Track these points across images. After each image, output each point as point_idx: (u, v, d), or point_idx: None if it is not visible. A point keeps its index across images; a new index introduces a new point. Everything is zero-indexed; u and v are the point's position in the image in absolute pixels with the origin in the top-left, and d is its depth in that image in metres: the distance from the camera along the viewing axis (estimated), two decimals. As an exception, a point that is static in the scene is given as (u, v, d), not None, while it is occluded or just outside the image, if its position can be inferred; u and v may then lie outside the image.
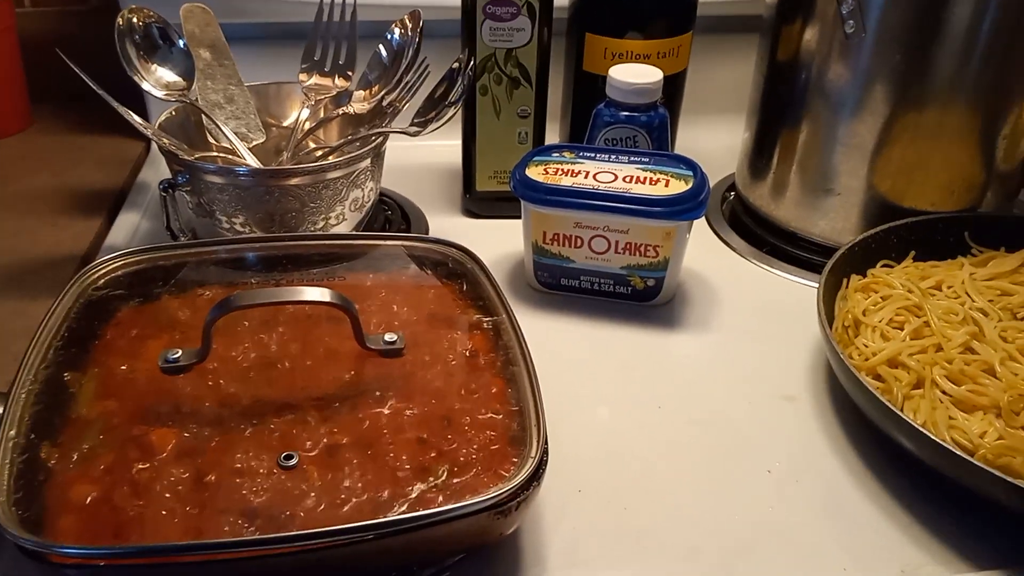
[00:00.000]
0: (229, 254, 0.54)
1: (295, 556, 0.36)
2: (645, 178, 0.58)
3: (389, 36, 0.65)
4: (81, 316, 0.48)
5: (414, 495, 0.39)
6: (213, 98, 0.65)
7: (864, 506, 0.46)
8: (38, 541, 0.34)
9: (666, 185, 0.57)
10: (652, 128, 0.64)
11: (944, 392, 0.48)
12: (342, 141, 0.62)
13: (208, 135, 0.64)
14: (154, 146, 0.78)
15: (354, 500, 0.39)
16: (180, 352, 0.45)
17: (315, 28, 0.67)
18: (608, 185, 0.57)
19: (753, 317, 0.61)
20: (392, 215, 0.70)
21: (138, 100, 0.67)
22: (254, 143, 0.65)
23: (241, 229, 0.58)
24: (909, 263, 0.61)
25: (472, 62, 0.61)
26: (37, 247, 0.64)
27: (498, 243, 0.68)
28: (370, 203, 0.63)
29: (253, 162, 0.62)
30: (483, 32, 0.63)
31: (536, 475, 0.39)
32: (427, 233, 0.68)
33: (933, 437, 0.44)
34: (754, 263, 0.67)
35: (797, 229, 0.68)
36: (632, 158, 0.60)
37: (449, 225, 0.70)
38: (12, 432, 0.40)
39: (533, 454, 0.40)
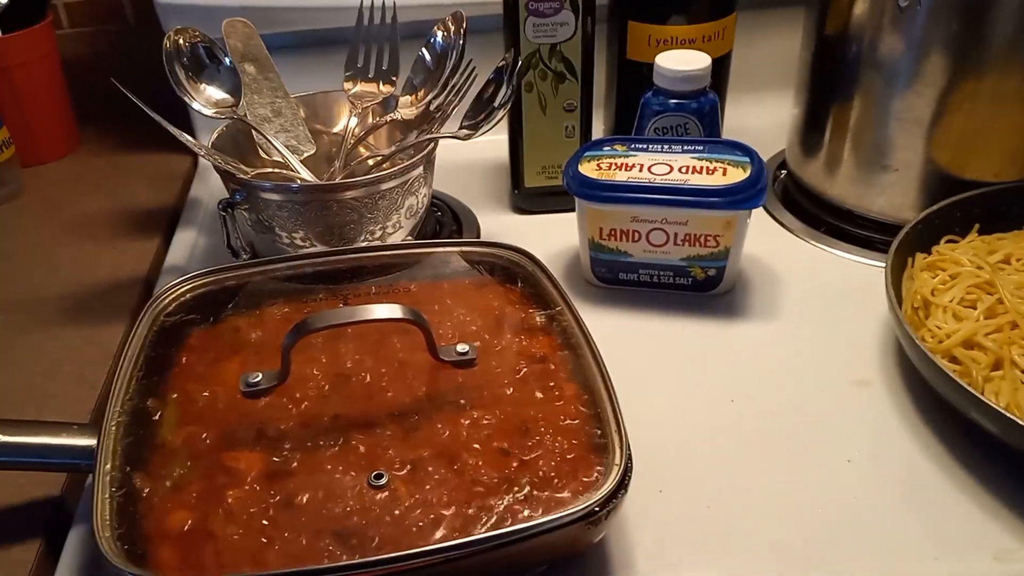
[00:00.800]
0: (292, 270, 0.55)
1: (394, 576, 0.36)
2: (701, 167, 0.57)
3: (432, 39, 0.64)
4: (156, 343, 0.49)
5: (501, 508, 0.40)
6: (261, 112, 0.65)
7: (949, 492, 0.45)
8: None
9: (724, 174, 0.56)
10: (703, 114, 0.63)
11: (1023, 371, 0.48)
12: (394, 149, 0.62)
13: (259, 150, 0.64)
14: (202, 160, 0.79)
15: (444, 516, 0.39)
16: (260, 375, 0.46)
17: (356, 34, 0.67)
18: (664, 177, 0.57)
19: (816, 300, 0.60)
20: (442, 216, 0.70)
21: (182, 114, 0.68)
22: (305, 155, 0.65)
23: (301, 243, 0.59)
24: (974, 237, 0.60)
25: (519, 62, 0.61)
26: (100, 271, 0.65)
27: (550, 239, 0.67)
28: (424, 208, 0.63)
29: (307, 176, 0.63)
30: (527, 29, 0.63)
31: (623, 482, 0.39)
32: (479, 233, 0.68)
33: (1019, 420, 0.43)
34: (812, 244, 0.67)
35: (854, 207, 0.67)
36: (686, 147, 0.60)
37: (499, 223, 0.70)
38: (108, 466, 0.41)
39: (618, 461, 0.40)
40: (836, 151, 0.67)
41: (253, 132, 0.64)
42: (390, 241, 0.61)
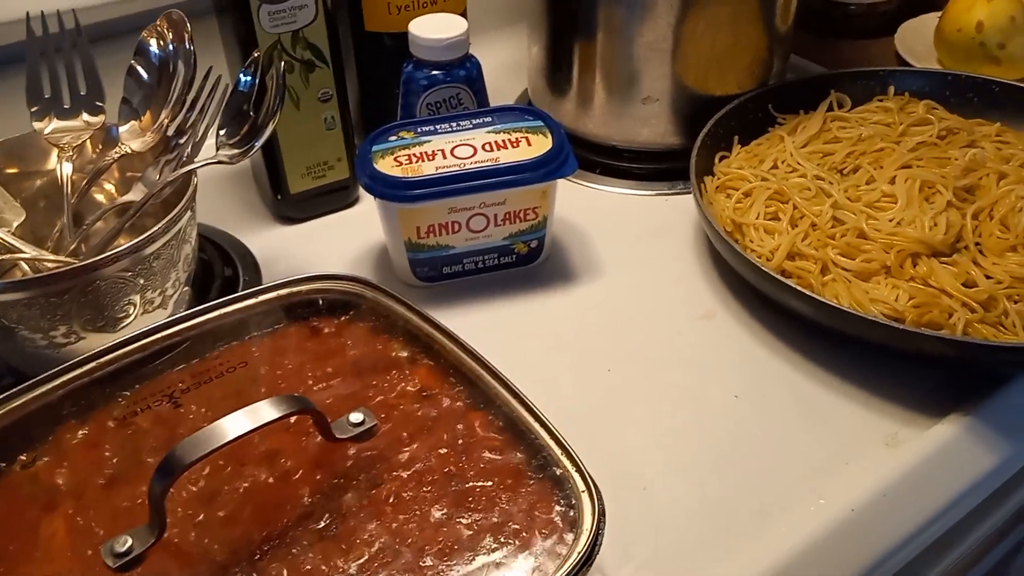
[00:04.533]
0: (85, 378, 0.43)
1: None
2: (504, 142, 0.54)
3: (145, 49, 0.52)
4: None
5: (488, 583, 0.35)
6: (-67, 183, 0.49)
7: (828, 396, 0.49)
8: None
9: (528, 144, 0.54)
10: (472, 80, 0.59)
11: (844, 269, 0.52)
12: (149, 194, 0.50)
13: (-50, 234, 0.49)
14: None
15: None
16: (128, 539, 0.35)
17: (31, 54, 0.52)
18: (473, 160, 0.53)
19: (627, 244, 0.61)
20: (205, 253, 0.59)
21: None
22: (16, 224, 0.51)
23: (64, 340, 0.46)
24: (738, 150, 0.64)
25: (282, 60, 0.52)
26: None
27: (337, 245, 0.61)
28: (195, 252, 0.53)
29: (32, 251, 0.49)
30: (261, 19, 0.53)
31: (602, 510, 0.37)
32: (255, 263, 0.59)
33: (869, 317, 0.48)
34: (594, 187, 0.67)
35: (619, 142, 0.68)
36: (474, 121, 0.56)
37: (270, 243, 0.61)
38: None
39: (583, 487, 0.38)
40: (588, 88, 0.67)
41: (-69, 212, 0.48)
42: (171, 302, 0.50)
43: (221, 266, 0.58)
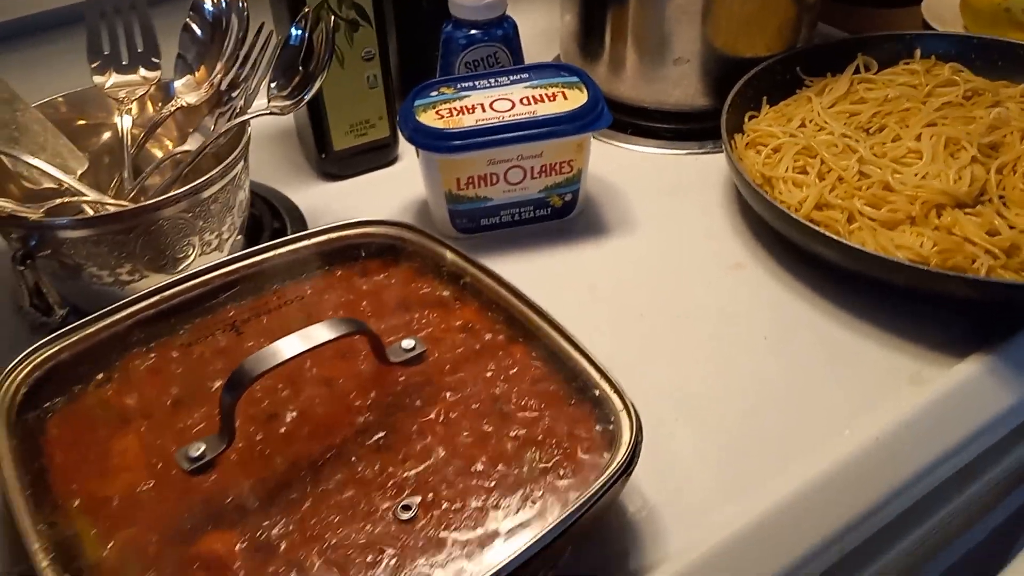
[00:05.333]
0: (151, 310, 0.46)
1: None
2: (540, 96, 0.56)
3: (200, 6, 0.55)
4: (28, 451, 0.39)
5: (537, 491, 0.38)
6: (3, 133, 0.52)
7: (853, 339, 0.51)
8: None
9: (564, 98, 0.56)
10: (509, 40, 0.62)
11: (870, 218, 0.54)
12: (206, 143, 0.53)
13: (21, 180, 0.51)
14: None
15: (488, 520, 0.36)
16: (202, 445, 0.38)
17: (90, 12, 0.55)
18: (512, 113, 0.55)
19: (658, 200, 0.63)
20: (255, 207, 0.62)
21: None
22: (79, 172, 0.53)
23: (128, 278, 0.49)
24: (767, 109, 0.66)
25: (331, 17, 0.54)
26: None
27: (379, 200, 0.63)
28: (248, 200, 0.55)
29: (95, 195, 0.52)
30: (309, -22, 0.56)
31: (640, 424, 0.39)
32: (301, 216, 0.61)
33: (897, 260, 0.49)
34: (626, 147, 0.69)
35: (650, 104, 0.70)
36: (512, 77, 0.58)
37: (313, 198, 0.64)
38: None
39: (619, 406, 0.40)
40: (620, 53, 0.69)
41: (2, 159, 0.51)
42: (227, 245, 0.53)
43: (270, 219, 0.61)
